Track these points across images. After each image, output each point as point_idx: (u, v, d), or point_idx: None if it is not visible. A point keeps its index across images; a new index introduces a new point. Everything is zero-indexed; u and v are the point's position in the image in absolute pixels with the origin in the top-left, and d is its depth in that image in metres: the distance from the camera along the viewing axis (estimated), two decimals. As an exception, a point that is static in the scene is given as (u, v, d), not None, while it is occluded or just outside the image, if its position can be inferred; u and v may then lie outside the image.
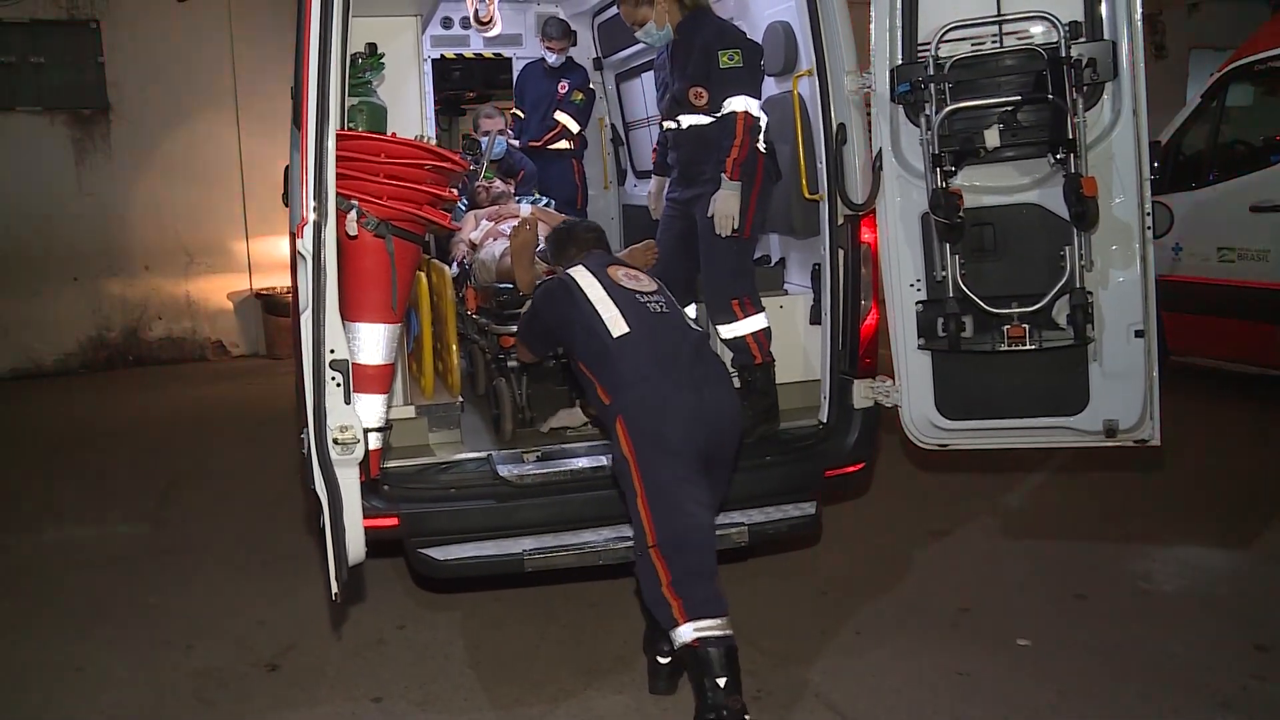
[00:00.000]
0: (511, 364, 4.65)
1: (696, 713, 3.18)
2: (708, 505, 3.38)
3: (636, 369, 3.39)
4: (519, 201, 6.21)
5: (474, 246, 5.54)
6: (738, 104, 4.31)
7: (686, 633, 3.16)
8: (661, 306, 3.58)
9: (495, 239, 5.34)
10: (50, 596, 4.70)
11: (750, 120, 4.31)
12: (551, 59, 6.88)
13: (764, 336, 4.42)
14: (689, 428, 3.31)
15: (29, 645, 4.20)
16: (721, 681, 3.12)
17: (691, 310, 4.62)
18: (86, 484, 6.49)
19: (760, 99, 4.43)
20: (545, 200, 6.44)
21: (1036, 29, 3.83)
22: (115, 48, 10.30)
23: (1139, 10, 3.76)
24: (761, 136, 4.39)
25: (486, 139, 6.53)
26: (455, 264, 5.58)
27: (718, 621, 3.17)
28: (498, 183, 6.34)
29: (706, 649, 3.14)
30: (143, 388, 9.63)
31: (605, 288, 3.57)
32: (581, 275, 3.64)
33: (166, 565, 5.03)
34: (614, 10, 6.47)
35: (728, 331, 4.44)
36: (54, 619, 4.45)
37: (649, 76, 6.65)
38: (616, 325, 3.45)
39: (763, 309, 4.46)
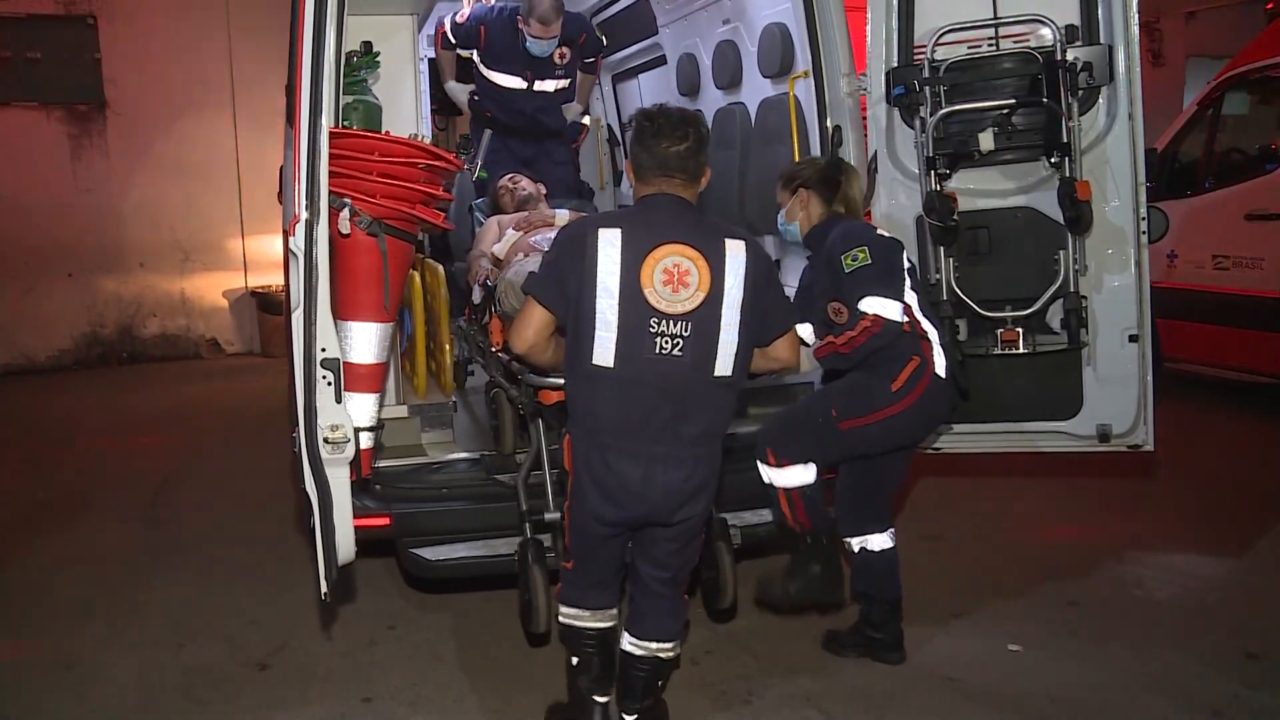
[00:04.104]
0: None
1: None
2: (609, 560, 3.20)
3: (596, 413, 2.99)
4: (557, 207, 5.17)
5: (499, 262, 4.46)
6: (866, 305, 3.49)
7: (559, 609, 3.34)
8: (676, 347, 2.91)
9: (527, 254, 4.21)
10: (41, 594, 4.68)
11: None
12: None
13: (798, 497, 3.63)
14: (622, 501, 3.00)
15: (20, 643, 4.18)
16: (574, 661, 3.31)
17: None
18: (78, 481, 6.46)
19: (901, 299, 3.51)
20: (575, 203, 5.71)
21: (1038, 32, 3.84)
22: (112, 43, 10.30)
23: (1135, 14, 3.76)
24: (938, 352, 3.56)
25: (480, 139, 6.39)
26: (477, 285, 4.46)
27: (578, 612, 3.27)
28: (524, 182, 5.38)
29: (564, 636, 3.33)
30: (136, 385, 9.61)
31: (623, 285, 2.89)
32: (607, 248, 2.91)
33: (158, 563, 5.01)
34: (611, 11, 6.46)
35: (762, 471, 3.70)
36: (45, 617, 4.43)
37: (645, 78, 6.67)
38: (602, 351, 2.92)
39: (805, 463, 3.62)
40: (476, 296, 4.43)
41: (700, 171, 3.06)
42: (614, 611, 3.29)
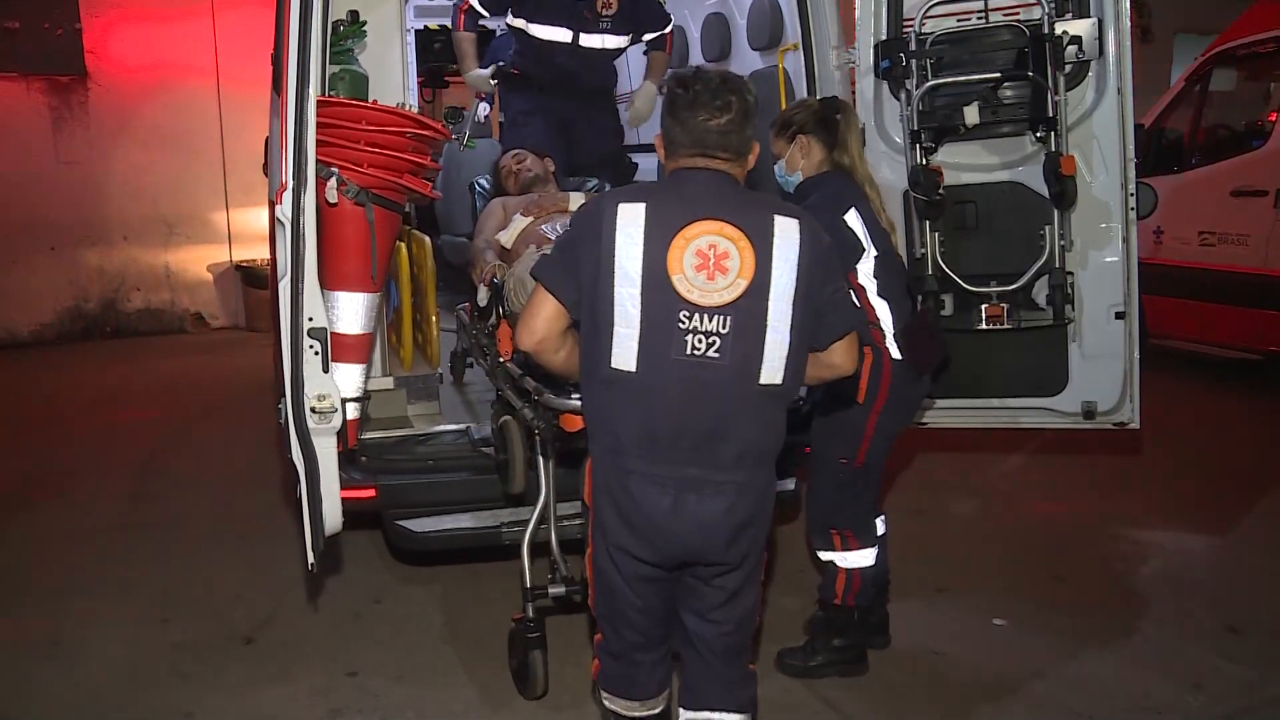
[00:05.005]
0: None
1: None
2: (650, 610, 2.65)
3: (616, 429, 2.50)
4: (575, 189, 4.81)
5: (505, 253, 4.00)
6: None
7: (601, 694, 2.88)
8: (713, 348, 2.40)
9: (539, 245, 3.74)
10: (26, 570, 4.66)
11: None
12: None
13: (857, 579, 3.59)
14: (651, 538, 2.51)
15: (3, 619, 4.16)
16: None
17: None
18: (63, 457, 6.42)
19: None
20: (594, 184, 5.21)
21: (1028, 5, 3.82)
22: (93, 13, 10.14)
23: (1126, -13, 3.76)
24: (890, 336, 3.37)
25: (467, 111, 6.28)
26: (482, 285, 3.85)
27: (627, 703, 2.77)
28: (530, 161, 4.88)
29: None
30: (120, 359, 9.54)
31: (646, 270, 2.39)
32: (628, 225, 2.41)
33: (143, 538, 4.99)
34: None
35: (822, 554, 3.66)
36: (29, 593, 4.41)
37: (634, 50, 6.58)
38: (622, 352, 2.43)
39: (870, 546, 3.60)
40: (482, 298, 3.82)
41: (746, 148, 2.53)
42: (666, 694, 2.81)
